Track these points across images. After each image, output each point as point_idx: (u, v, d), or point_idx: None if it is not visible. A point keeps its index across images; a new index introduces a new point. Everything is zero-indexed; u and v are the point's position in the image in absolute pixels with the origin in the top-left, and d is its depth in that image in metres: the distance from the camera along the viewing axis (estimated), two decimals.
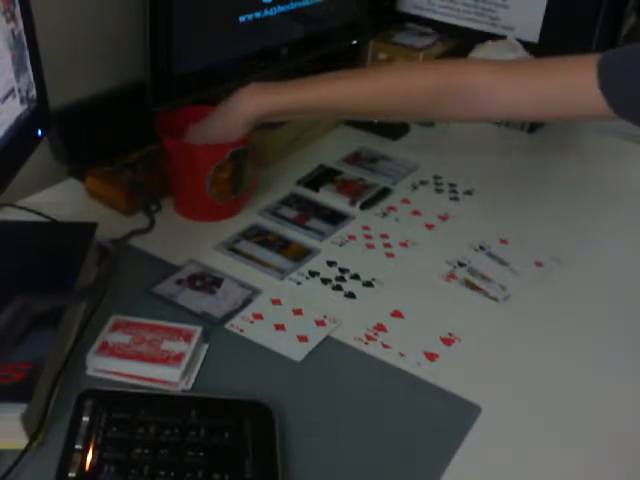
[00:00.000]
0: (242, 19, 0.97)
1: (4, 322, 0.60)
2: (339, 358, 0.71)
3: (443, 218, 0.96)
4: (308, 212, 0.94)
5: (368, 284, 0.81)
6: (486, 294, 0.82)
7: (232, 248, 0.85)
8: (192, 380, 0.65)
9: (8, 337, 0.60)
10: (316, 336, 0.72)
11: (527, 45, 1.22)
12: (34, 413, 0.58)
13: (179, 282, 0.78)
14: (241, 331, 0.72)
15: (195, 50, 0.92)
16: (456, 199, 1.01)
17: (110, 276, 0.75)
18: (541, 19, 1.23)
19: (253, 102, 0.82)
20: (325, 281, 0.81)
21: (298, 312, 0.76)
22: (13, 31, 0.67)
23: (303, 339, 0.72)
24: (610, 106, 0.71)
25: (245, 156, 0.88)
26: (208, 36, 0.94)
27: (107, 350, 0.66)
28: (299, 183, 1.01)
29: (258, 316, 0.74)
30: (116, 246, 0.79)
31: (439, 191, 1.02)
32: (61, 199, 0.92)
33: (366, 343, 0.72)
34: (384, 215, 0.95)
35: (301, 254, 0.85)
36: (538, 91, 0.76)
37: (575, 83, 0.73)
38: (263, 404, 0.61)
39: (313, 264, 0.84)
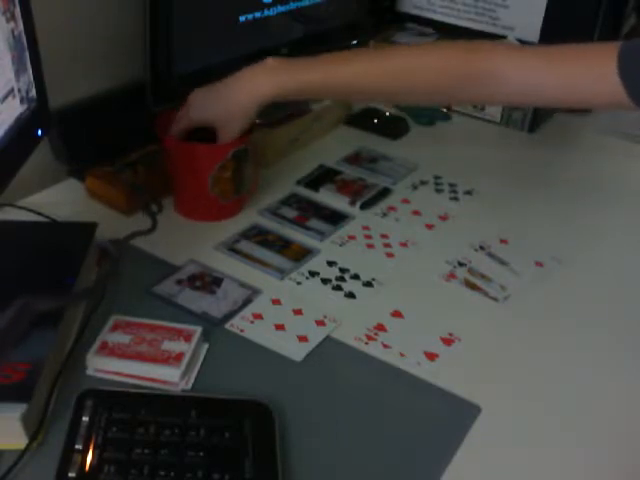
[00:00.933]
0: (242, 19, 0.97)
1: (5, 322, 0.60)
2: (339, 358, 0.71)
3: (443, 218, 0.96)
4: (308, 212, 0.94)
5: (368, 284, 0.81)
6: (486, 294, 0.82)
7: (232, 248, 0.85)
8: (192, 380, 0.65)
9: (10, 337, 0.60)
10: (316, 336, 0.72)
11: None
12: (34, 413, 0.58)
13: (179, 282, 0.78)
14: (241, 331, 0.72)
15: (195, 50, 0.92)
16: (456, 199, 1.00)
17: (111, 276, 0.75)
18: (541, 19, 1.23)
19: (266, 84, 0.80)
20: (325, 281, 0.81)
21: (298, 312, 0.75)
22: (13, 31, 0.67)
23: (303, 339, 0.72)
24: (629, 95, 0.71)
25: (245, 155, 0.88)
26: (208, 36, 0.94)
27: (107, 350, 0.66)
28: (299, 183, 1.01)
29: (258, 316, 0.74)
30: (117, 246, 0.79)
31: (439, 191, 1.02)
32: (61, 199, 0.91)
33: (366, 343, 0.72)
34: (384, 215, 0.95)
35: (301, 254, 0.85)
36: (560, 77, 0.76)
37: (595, 70, 0.73)
38: (263, 404, 0.61)
39: (313, 264, 0.84)
